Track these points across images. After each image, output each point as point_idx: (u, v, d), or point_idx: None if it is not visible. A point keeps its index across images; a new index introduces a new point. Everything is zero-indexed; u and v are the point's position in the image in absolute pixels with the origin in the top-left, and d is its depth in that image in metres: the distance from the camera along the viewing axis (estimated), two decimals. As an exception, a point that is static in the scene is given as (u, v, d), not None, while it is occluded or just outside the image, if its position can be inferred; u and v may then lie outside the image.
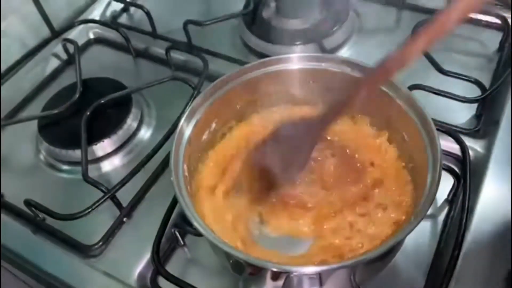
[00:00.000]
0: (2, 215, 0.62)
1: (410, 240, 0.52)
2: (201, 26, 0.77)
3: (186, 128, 0.51)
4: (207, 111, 0.53)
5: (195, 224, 0.42)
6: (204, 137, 0.54)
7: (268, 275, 0.41)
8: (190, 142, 0.50)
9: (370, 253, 0.39)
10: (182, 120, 0.50)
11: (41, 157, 0.69)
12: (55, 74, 0.82)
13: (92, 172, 0.64)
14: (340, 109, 0.48)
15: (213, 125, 0.55)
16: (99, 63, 0.82)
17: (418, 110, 0.49)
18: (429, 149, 0.46)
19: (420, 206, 0.42)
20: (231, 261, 0.44)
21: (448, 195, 0.57)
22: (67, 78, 0.78)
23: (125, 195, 0.60)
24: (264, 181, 0.52)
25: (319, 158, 0.55)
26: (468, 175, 0.55)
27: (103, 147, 0.67)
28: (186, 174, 0.48)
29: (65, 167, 0.68)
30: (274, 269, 0.39)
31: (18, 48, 0.83)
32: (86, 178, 0.60)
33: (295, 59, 0.56)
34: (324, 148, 0.56)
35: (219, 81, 0.54)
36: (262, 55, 0.75)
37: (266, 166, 0.51)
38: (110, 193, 0.58)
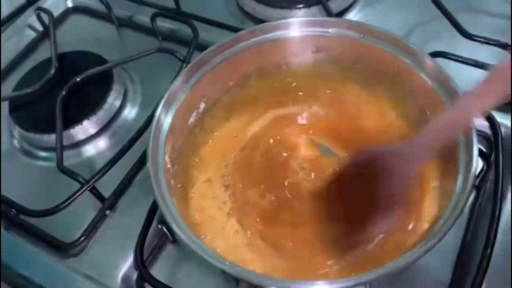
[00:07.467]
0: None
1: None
2: (191, -11, 0.69)
3: (167, 114, 0.43)
4: (193, 90, 0.45)
5: (175, 229, 0.35)
6: (191, 120, 0.47)
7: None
8: (172, 129, 0.42)
9: (387, 266, 0.33)
10: (160, 107, 0.42)
11: (15, 142, 0.63)
12: (31, 47, 0.74)
13: (72, 159, 0.59)
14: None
15: (202, 105, 0.47)
16: (78, 34, 0.74)
17: (446, 82, 0.42)
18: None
19: (449, 210, 0.35)
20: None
21: (475, 180, 0.50)
22: (44, 53, 0.70)
23: (108, 185, 0.54)
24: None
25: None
26: (501, 156, 0.48)
27: (83, 129, 0.60)
28: (169, 166, 0.41)
29: (41, 153, 0.61)
30: None
31: (-12, 18, 0.75)
32: (61, 167, 0.53)
33: (297, 24, 0.49)
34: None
35: (207, 53, 0.46)
36: (260, 21, 0.68)
37: None
38: (88, 185, 0.51)
